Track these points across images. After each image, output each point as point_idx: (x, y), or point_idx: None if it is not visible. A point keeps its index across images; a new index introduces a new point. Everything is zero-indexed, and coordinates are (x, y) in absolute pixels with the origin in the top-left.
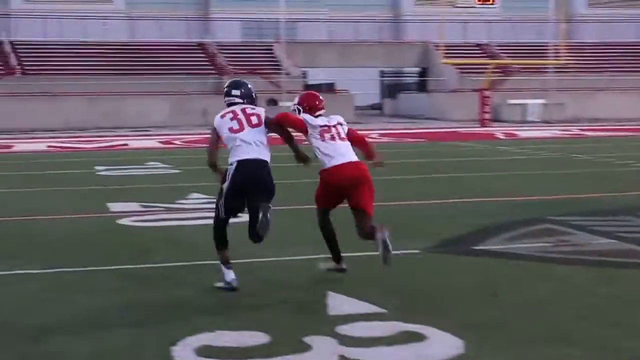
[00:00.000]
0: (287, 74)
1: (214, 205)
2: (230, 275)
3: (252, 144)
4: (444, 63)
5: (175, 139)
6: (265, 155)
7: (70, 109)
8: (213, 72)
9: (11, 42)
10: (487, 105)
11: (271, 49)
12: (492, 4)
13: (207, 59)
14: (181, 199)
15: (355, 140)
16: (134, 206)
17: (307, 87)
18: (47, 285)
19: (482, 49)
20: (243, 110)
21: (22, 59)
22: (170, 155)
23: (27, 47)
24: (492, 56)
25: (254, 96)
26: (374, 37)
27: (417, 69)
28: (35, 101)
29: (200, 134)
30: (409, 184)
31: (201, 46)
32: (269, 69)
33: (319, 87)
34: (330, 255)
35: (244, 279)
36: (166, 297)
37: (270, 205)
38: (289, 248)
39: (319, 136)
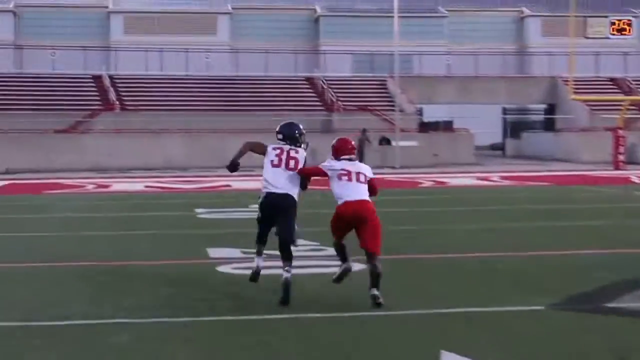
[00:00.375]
0: (401, 110)
1: (321, 253)
2: (258, 262)
3: (280, 182)
4: (573, 99)
5: None
6: (290, 190)
7: (170, 146)
8: (321, 108)
9: (110, 77)
10: (621, 145)
11: (384, 84)
12: (628, 34)
13: (315, 95)
14: None
15: (370, 188)
16: (235, 252)
17: (423, 125)
18: (140, 336)
19: (616, 84)
20: (288, 152)
21: (121, 93)
22: None
23: (127, 81)
24: (628, 92)
25: (296, 136)
26: (496, 71)
27: (543, 106)
28: (134, 138)
29: None
30: (533, 232)
31: (309, 81)
32: (382, 105)
33: (435, 125)
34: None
35: (350, 333)
36: (268, 354)
37: (294, 224)
38: (404, 301)
39: (336, 177)
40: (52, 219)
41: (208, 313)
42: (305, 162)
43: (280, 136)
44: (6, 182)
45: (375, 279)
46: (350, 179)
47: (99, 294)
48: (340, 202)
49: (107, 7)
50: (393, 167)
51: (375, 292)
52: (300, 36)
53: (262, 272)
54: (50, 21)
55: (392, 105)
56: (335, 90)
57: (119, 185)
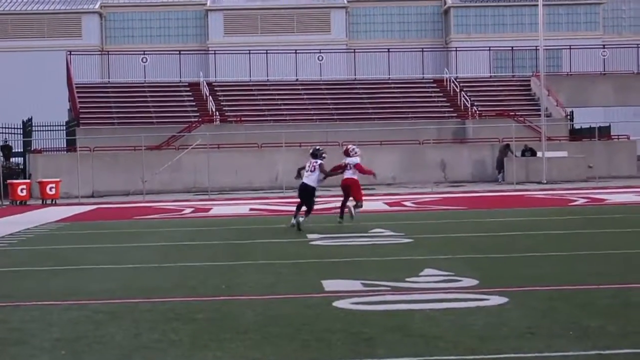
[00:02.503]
0: (548, 115)
1: (452, 285)
2: (294, 220)
3: (307, 177)
4: None
5: (406, 200)
6: (312, 182)
7: (278, 162)
8: (453, 115)
9: (209, 84)
10: None
11: (528, 85)
12: None
13: (446, 99)
14: (412, 276)
15: (360, 170)
16: (354, 285)
17: (574, 132)
18: None
19: None
20: (311, 162)
21: (221, 103)
22: (400, 220)
23: (228, 89)
24: None
25: (317, 154)
26: None
27: None
28: (236, 153)
29: (438, 193)
30: None
31: (439, 83)
32: (525, 110)
33: (589, 132)
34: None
35: None
36: None
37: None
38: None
39: (346, 167)
40: (147, 248)
41: (321, 354)
42: (322, 166)
43: (310, 156)
44: (93, 207)
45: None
46: (349, 168)
47: (198, 338)
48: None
49: (204, 4)
50: (539, 182)
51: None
52: (427, 31)
53: (383, 308)
54: (140, 22)
55: (537, 110)
56: (469, 94)
57: (221, 208)
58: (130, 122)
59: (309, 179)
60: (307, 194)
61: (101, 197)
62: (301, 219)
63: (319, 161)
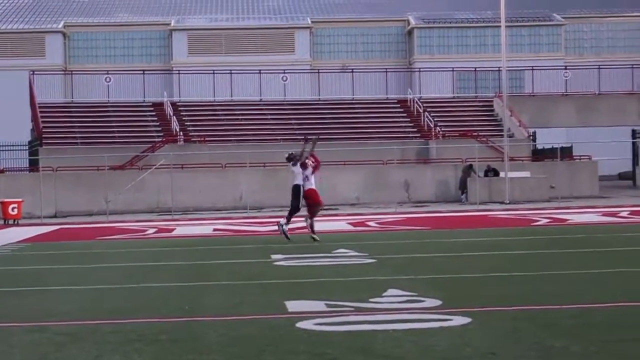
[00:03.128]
0: (511, 136)
1: (415, 305)
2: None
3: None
4: None
5: (369, 220)
6: (298, 181)
7: (242, 182)
8: (417, 135)
9: (173, 104)
10: None
11: (490, 106)
12: None
13: (409, 120)
14: (376, 297)
15: (315, 160)
16: (317, 305)
17: (536, 152)
18: None
19: None
20: (302, 173)
21: (185, 123)
22: (363, 240)
23: (192, 108)
24: None
25: (291, 158)
26: (623, 86)
27: None
28: (200, 173)
29: (402, 213)
30: None
31: (402, 104)
32: (488, 130)
33: (551, 152)
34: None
35: None
36: None
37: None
38: None
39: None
40: (110, 269)
41: None
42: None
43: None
44: (56, 227)
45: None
46: (308, 179)
47: (162, 359)
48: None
49: (168, 24)
50: (502, 202)
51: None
52: (391, 52)
53: (346, 329)
54: (104, 42)
55: (500, 130)
56: (432, 114)
57: (184, 228)
58: (94, 142)
59: (306, 182)
60: (293, 193)
61: (64, 217)
62: (282, 221)
63: (296, 165)
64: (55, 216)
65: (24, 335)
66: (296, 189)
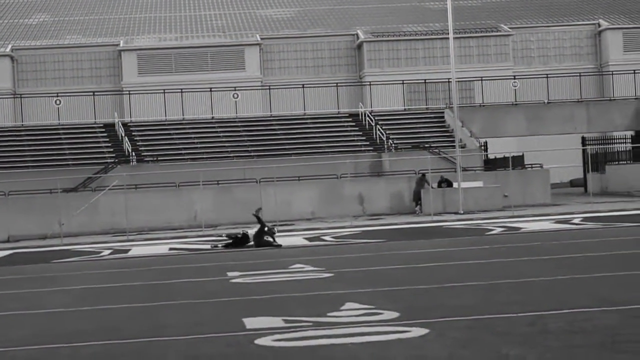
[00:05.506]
0: (463, 146)
1: (373, 318)
2: None
3: None
4: None
5: (325, 234)
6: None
7: (196, 201)
8: (369, 148)
9: (124, 124)
10: None
11: (442, 117)
12: None
13: (361, 133)
14: (333, 311)
15: None
16: (275, 321)
17: (488, 162)
18: None
19: None
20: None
21: (137, 143)
22: (320, 255)
23: (143, 128)
24: None
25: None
26: (572, 95)
27: (629, 133)
28: (153, 193)
29: (357, 226)
30: (626, 283)
31: (354, 117)
32: (440, 141)
33: (503, 162)
34: None
35: None
36: None
37: None
38: None
39: None
40: (65, 292)
41: None
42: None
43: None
44: (10, 252)
45: None
46: None
47: None
48: None
49: (117, 44)
50: (456, 213)
51: None
52: (341, 66)
53: (305, 344)
54: (52, 65)
55: (452, 141)
56: (384, 127)
57: (139, 249)
58: (46, 165)
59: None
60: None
61: (17, 241)
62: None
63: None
64: (7, 241)
65: None
66: None
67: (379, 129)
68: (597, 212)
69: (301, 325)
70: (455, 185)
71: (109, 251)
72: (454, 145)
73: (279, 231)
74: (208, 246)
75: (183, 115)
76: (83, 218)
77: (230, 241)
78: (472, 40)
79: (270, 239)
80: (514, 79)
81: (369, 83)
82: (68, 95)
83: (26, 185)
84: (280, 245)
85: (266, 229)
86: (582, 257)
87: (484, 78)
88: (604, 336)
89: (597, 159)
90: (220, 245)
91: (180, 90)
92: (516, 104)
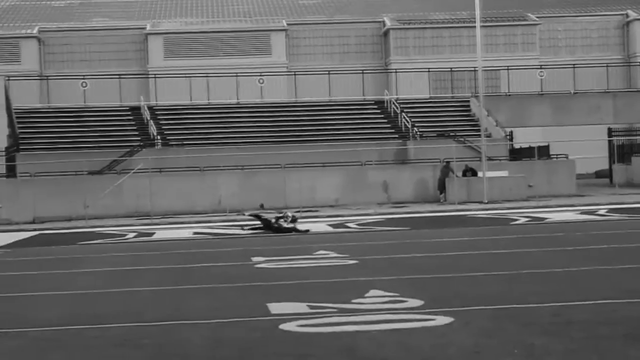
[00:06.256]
0: (488, 136)
1: (397, 306)
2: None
3: None
4: None
5: (349, 221)
6: None
7: (220, 185)
8: (394, 136)
9: (150, 108)
10: None
11: (467, 106)
12: None
13: (387, 121)
14: (358, 298)
15: None
16: (300, 307)
17: (514, 151)
18: None
19: None
20: None
21: (163, 127)
22: (344, 242)
23: (169, 112)
24: None
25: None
26: (599, 86)
27: None
28: (178, 177)
29: (381, 214)
30: None
31: (379, 105)
32: (465, 130)
33: (529, 152)
34: None
35: None
36: None
37: None
38: None
39: None
40: (91, 274)
41: None
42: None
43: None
44: (35, 233)
45: None
46: None
47: None
48: None
49: (144, 28)
50: (480, 202)
51: None
52: (367, 53)
53: (329, 330)
54: (79, 47)
55: (477, 130)
56: (410, 115)
57: (164, 232)
58: (71, 147)
59: None
60: None
61: (42, 222)
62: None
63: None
64: (33, 222)
65: (7, 341)
66: None
67: (404, 117)
68: (623, 203)
69: (326, 311)
70: (480, 174)
71: (134, 234)
72: (479, 134)
73: (301, 217)
74: (233, 231)
75: (208, 99)
76: (108, 201)
77: (259, 223)
78: (499, 29)
79: (290, 225)
80: (541, 68)
81: (394, 70)
82: (94, 78)
83: (52, 167)
84: (307, 231)
85: (273, 220)
86: (608, 248)
87: (510, 67)
88: (630, 327)
89: (622, 150)
90: (246, 228)
91: (205, 75)
92: (542, 94)
